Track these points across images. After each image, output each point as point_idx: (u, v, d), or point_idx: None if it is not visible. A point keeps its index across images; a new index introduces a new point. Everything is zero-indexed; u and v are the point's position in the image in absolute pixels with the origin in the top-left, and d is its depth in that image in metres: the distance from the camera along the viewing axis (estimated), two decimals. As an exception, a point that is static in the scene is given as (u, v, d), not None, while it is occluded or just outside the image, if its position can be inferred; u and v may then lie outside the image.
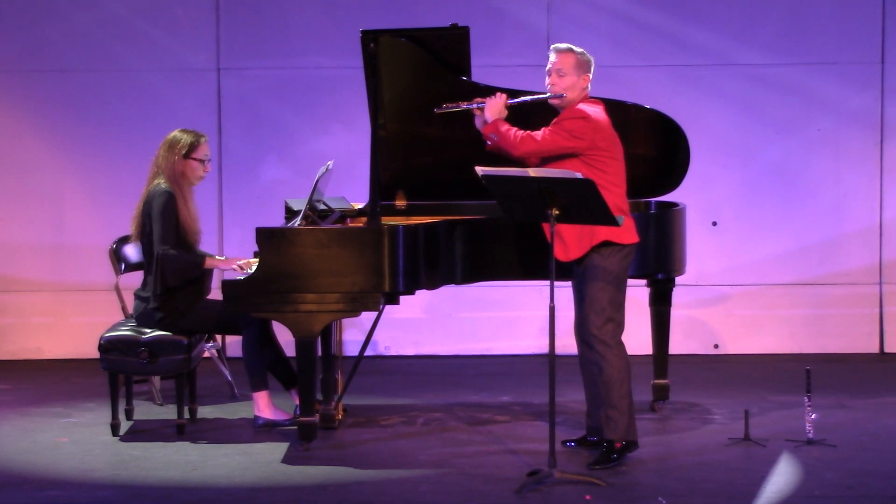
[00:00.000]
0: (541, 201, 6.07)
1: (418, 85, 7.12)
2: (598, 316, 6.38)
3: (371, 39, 6.84)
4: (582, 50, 6.49)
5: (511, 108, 6.58)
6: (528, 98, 6.58)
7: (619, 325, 6.43)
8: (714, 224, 9.27)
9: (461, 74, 7.09)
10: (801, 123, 9.23)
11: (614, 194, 6.36)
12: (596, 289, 6.38)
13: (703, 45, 9.20)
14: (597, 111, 6.43)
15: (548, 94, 6.49)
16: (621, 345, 6.43)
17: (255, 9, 9.21)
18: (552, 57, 6.50)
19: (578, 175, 6.06)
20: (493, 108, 6.52)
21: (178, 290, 7.09)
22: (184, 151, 7.14)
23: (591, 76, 6.50)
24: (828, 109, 9.21)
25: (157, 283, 7.05)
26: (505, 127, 6.45)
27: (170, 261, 7.03)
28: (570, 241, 6.39)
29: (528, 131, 6.41)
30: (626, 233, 6.43)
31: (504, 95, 6.56)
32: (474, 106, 6.57)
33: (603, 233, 6.36)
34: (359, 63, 6.96)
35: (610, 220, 6.12)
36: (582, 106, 6.43)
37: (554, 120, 6.46)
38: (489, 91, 7.08)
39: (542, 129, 6.42)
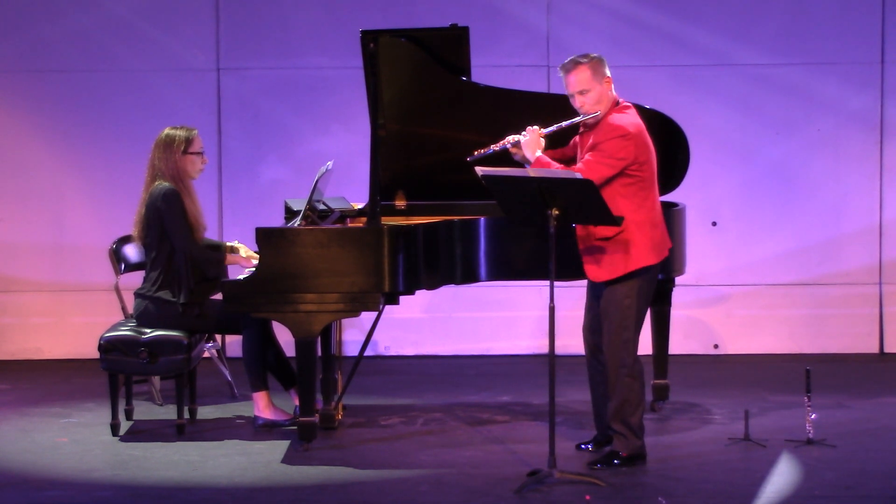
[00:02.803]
0: (541, 201, 6.06)
1: (418, 85, 7.12)
2: (617, 336, 6.32)
3: (371, 39, 6.83)
4: (586, 53, 6.30)
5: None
6: (564, 124, 6.36)
7: (636, 344, 6.36)
8: (714, 224, 9.27)
9: (461, 74, 7.09)
10: (801, 123, 9.22)
11: (644, 207, 6.27)
12: (623, 307, 6.30)
13: (702, 45, 9.19)
14: (631, 119, 6.27)
15: (581, 118, 6.28)
16: (637, 363, 6.36)
17: (254, 9, 9.21)
18: (564, 78, 6.27)
19: (578, 175, 6.05)
20: (531, 145, 6.31)
21: (200, 284, 7.14)
22: (182, 148, 7.16)
23: (608, 71, 6.29)
24: (828, 109, 9.21)
25: (189, 280, 7.09)
26: (549, 165, 6.25)
27: (197, 258, 7.09)
28: (604, 262, 6.31)
29: (572, 167, 6.22)
30: (656, 251, 6.34)
31: (536, 129, 6.32)
32: (508, 145, 6.39)
33: (640, 258, 6.27)
34: (359, 63, 6.96)
35: (610, 220, 6.11)
36: (617, 118, 6.25)
37: (591, 142, 6.26)
38: (488, 91, 7.10)
39: (584, 157, 6.23)
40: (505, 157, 6.49)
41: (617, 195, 6.23)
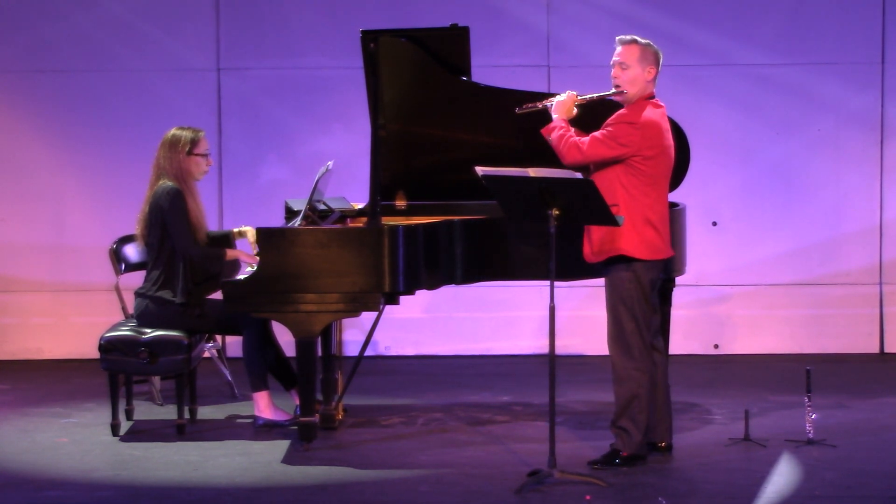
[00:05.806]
0: (541, 201, 6.06)
1: (418, 85, 7.11)
2: (618, 327, 6.31)
3: (371, 39, 6.83)
4: (648, 41, 6.34)
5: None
6: (596, 95, 6.41)
7: (643, 339, 6.33)
8: (714, 224, 9.27)
9: (461, 74, 7.09)
10: (801, 123, 9.23)
11: (641, 203, 6.24)
12: (621, 294, 6.29)
13: (703, 45, 9.20)
14: (652, 114, 6.26)
15: (612, 91, 6.33)
16: (644, 358, 6.34)
17: (255, 9, 9.21)
18: (616, 48, 6.33)
19: (578, 175, 6.05)
20: (562, 108, 6.37)
21: (201, 284, 7.12)
22: (187, 149, 7.17)
23: (657, 69, 6.33)
24: (828, 109, 9.21)
25: (186, 281, 7.09)
26: (557, 134, 6.29)
27: (197, 258, 7.08)
28: (595, 242, 6.32)
29: (578, 139, 6.25)
30: (647, 247, 6.31)
31: (573, 94, 6.38)
32: (549, 105, 6.42)
33: (627, 247, 6.26)
34: (359, 63, 6.96)
35: (609, 221, 6.10)
36: (637, 108, 6.26)
37: (605, 122, 6.30)
38: (488, 91, 7.09)
39: (593, 133, 6.26)
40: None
41: (616, 182, 6.23)
